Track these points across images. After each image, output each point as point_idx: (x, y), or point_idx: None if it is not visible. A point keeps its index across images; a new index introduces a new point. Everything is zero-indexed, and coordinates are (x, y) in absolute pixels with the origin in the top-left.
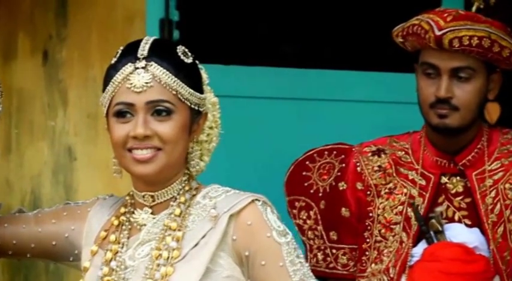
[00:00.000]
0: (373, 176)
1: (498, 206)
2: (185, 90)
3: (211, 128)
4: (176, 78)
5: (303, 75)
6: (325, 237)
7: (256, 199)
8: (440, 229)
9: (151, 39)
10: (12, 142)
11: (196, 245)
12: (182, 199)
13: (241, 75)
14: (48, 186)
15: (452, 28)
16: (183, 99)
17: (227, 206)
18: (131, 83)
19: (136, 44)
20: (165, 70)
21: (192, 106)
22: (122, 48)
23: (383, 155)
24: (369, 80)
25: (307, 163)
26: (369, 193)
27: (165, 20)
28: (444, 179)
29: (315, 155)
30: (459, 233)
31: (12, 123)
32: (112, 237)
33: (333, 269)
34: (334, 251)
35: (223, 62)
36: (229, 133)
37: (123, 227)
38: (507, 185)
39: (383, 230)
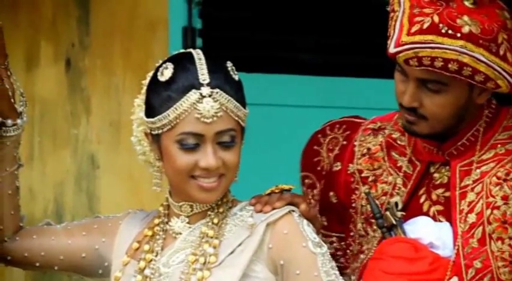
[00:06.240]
0: (359, 160)
1: (480, 203)
2: (242, 113)
3: None
4: (238, 104)
5: (325, 83)
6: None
7: (293, 210)
8: (394, 222)
9: (203, 57)
10: (35, 150)
11: (232, 252)
12: (221, 209)
13: (264, 83)
14: (71, 194)
15: (411, 45)
16: (241, 123)
17: (264, 216)
18: (200, 113)
19: (188, 61)
20: (229, 97)
21: (243, 125)
22: (171, 64)
23: (380, 135)
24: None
25: (319, 136)
26: (352, 179)
27: (188, 28)
28: (433, 169)
29: (328, 128)
30: (421, 227)
31: (35, 131)
32: (146, 247)
33: None
34: (324, 239)
35: (245, 70)
36: (253, 141)
37: (157, 236)
38: (493, 179)
39: (364, 224)
